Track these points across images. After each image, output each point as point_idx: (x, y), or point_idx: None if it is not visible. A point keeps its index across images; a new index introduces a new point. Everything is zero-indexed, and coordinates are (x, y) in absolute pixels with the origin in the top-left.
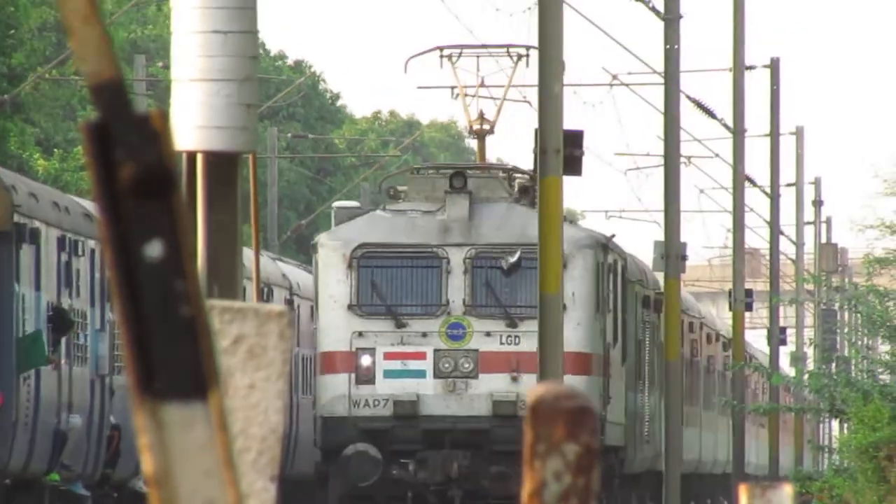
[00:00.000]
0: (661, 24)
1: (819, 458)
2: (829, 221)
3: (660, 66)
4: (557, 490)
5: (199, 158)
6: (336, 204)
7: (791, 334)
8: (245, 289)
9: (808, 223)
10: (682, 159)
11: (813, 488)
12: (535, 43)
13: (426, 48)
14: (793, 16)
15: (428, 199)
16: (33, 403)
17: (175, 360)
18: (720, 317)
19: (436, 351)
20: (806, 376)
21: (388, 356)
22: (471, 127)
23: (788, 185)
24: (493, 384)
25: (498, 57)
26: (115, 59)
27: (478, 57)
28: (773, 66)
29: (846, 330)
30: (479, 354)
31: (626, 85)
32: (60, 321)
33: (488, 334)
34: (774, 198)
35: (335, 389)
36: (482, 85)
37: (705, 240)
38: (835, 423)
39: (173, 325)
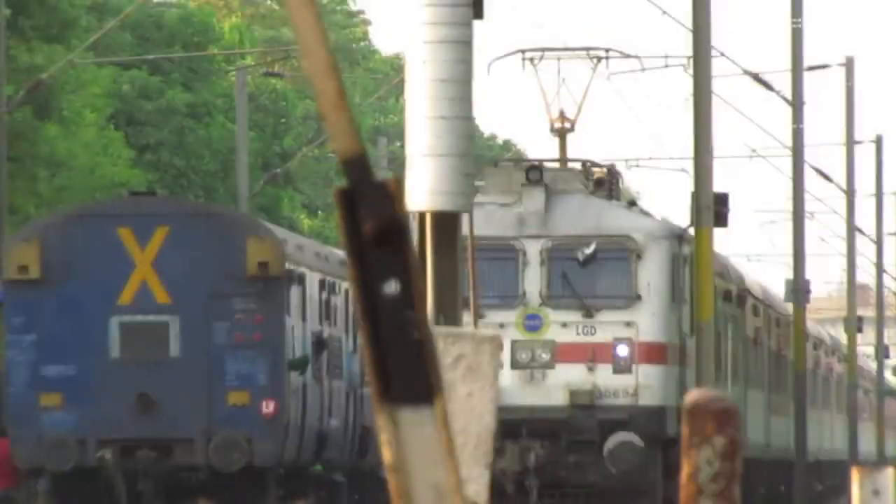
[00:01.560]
0: (790, 108)
1: None
2: None
3: (789, 141)
4: (709, 473)
5: (428, 217)
6: None
7: (894, 351)
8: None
9: None
10: (807, 214)
11: None
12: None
13: (508, 51)
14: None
15: (504, 193)
16: (301, 410)
17: (408, 374)
18: (837, 336)
19: (513, 342)
20: None
21: None
22: (552, 125)
23: (890, 233)
24: (569, 374)
25: (579, 59)
26: (360, 139)
27: (558, 59)
28: (878, 141)
29: None
30: (556, 345)
31: (763, 157)
32: (318, 345)
33: (564, 325)
34: (879, 244)
35: None
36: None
37: (826, 277)
38: None
39: (406, 346)
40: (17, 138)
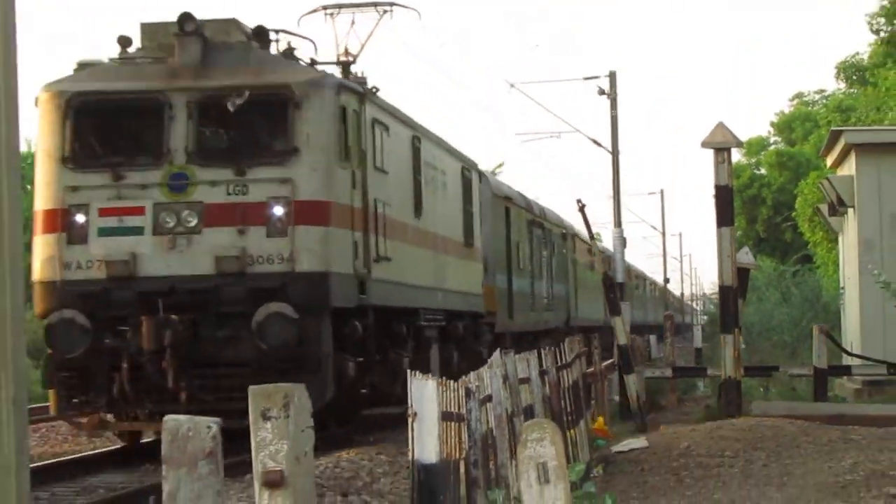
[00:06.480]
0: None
1: None
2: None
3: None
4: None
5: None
6: (78, 59)
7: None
8: None
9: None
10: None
11: None
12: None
13: (313, 7)
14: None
15: (161, 48)
16: None
17: (614, 308)
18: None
19: (155, 205)
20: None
21: (102, 212)
22: (338, 58)
23: (673, 234)
24: (217, 239)
25: (367, 11)
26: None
27: (353, 12)
28: (680, 236)
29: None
30: (204, 207)
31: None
32: None
33: (213, 184)
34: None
35: (46, 251)
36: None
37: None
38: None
39: (614, 303)
40: None
